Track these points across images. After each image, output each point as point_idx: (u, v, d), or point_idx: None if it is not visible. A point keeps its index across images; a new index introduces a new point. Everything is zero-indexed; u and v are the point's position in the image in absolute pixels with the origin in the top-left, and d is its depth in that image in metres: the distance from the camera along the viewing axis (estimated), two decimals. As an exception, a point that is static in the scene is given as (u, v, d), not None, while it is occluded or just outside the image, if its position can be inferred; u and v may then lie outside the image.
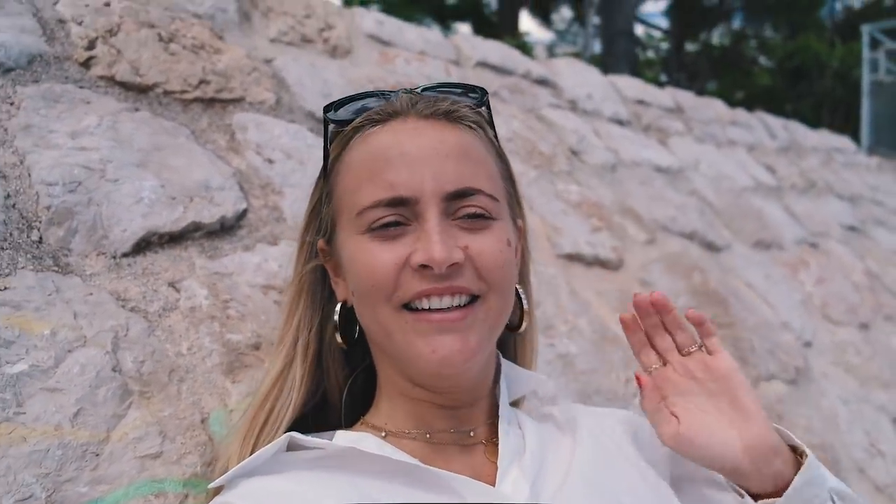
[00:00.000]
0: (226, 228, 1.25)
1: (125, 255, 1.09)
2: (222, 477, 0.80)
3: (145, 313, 1.03)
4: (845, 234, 3.52)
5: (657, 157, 2.84)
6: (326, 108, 0.90)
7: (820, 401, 2.21)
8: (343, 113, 0.89)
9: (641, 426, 0.97)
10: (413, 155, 0.81)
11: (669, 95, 3.54)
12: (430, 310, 0.80)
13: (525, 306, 0.96)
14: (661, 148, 2.99)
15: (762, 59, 14.72)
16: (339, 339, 0.92)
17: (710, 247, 2.52)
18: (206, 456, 0.90)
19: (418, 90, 0.89)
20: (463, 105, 0.88)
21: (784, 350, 2.24)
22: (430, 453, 0.85)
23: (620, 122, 2.95)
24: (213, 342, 1.04)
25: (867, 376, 2.48)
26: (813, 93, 12.44)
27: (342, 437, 0.87)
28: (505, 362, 0.98)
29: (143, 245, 1.12)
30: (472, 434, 0.89)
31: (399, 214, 0.81)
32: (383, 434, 0.87)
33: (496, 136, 0.93)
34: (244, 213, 1.30)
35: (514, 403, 1.03)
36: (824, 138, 4.74)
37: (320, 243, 0.93)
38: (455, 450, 0.87)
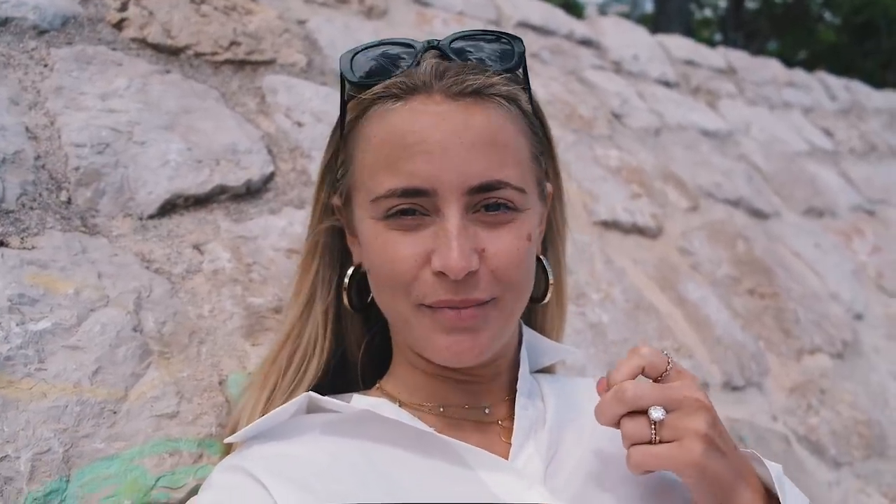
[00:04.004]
0: (252, 192, 1.25)
1: (151, 217, 1.11)
2: (237, 434, 0.81)
3: (169, 275, 1.04)
4: (906, 201, 3.36)
5: (705, 121, 2.74)
6: (343, 59, 0.81)
7: (868, 376, 2.13)
8: (361, 65, 0.81)
9: None
10: (434, 144, 0.75)
11: (721, 56, 3.40)
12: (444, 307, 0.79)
13: (551, 279, 0.92)
14: (709, 111, 2.88)
15: (827, 16, 13.99)
16: (347, 304, 0.91)
17: (757, 214, 2.43)
18: (221, 417, 0.91)
19: (448, 40, 0.82)
20: (495, 77, 0.78)
21: (831, 322, 2.16)
22: (444, 427, 0.84)
23: (667, 84, 2.85)
24: (235, 305, 1.05)
25: (922, 351, 2.39)
26: (881, 50, 11.78)
27: (359, 401, 0.87)
28: (528, 331, 0.95)
29: (169, 207, 1.13)
30: (486, 411, 0.87)
31: (416, 203, 0.77)
32: (398, 403, 0.87)
33: (530, 96, 0.85)
34: (271, 176, 1.30)
35: (547, 370, 1.01)
36: (889, 98, 4.49)
37: (336, 201, 0.89)
38: (470, 426, 0.86)
